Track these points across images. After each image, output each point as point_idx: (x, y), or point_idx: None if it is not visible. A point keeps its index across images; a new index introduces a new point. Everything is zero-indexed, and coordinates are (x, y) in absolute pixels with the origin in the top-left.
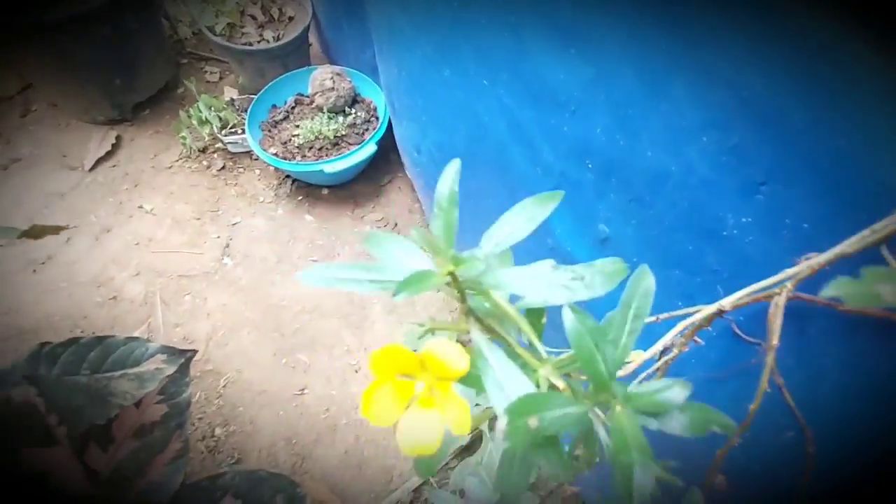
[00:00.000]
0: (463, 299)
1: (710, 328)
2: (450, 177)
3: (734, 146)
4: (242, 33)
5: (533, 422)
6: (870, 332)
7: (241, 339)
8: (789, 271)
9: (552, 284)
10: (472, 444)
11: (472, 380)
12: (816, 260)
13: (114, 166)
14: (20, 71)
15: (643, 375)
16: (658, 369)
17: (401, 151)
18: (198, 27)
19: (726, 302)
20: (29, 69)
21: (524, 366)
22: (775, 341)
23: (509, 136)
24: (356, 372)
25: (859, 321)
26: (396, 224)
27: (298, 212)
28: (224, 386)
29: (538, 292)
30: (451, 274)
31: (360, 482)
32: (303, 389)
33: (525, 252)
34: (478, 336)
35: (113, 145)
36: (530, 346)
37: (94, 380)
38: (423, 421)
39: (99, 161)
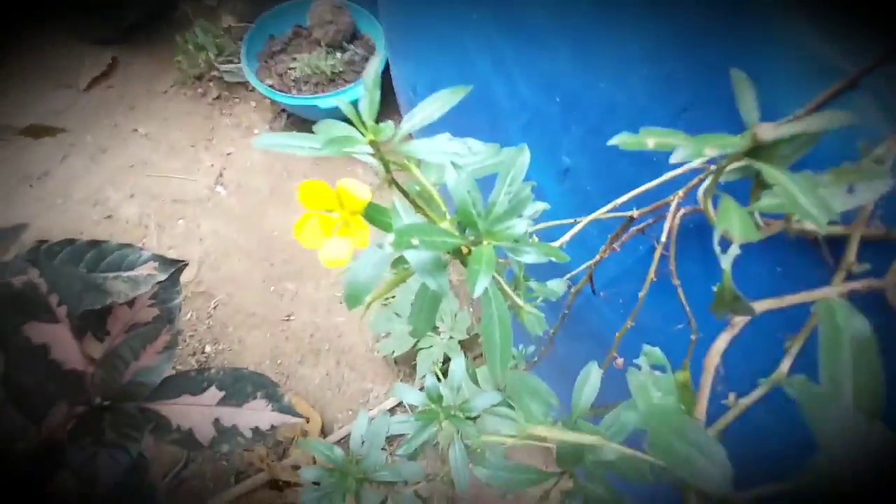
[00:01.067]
0: (386, 169)
1: (638, 247)
2: (374, 66)
3: (666, 74)
4: None
5: (415, 240)
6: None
7: (233, 265)
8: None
9: (447, 151)
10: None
11: (383, 224)
12: (694, 165)
13: (109, 87)
14: None
15: (580, 282)
16: (588, 270)
17: (397, 92)
18: None
19: (636, 211)
20: None
21: (431, 222)
22: (664, 238)
23: (492, 71)
24: (340, 303)
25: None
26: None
27: None
28: (215, 308)
29: (436, 156)
30: (373, 143)
31: (338, 401)
32: (290, 315)
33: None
34: (395, 196)
35: (108, 66)
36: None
37: (92, 276)
38: (339, 243)
39: (94, 81)
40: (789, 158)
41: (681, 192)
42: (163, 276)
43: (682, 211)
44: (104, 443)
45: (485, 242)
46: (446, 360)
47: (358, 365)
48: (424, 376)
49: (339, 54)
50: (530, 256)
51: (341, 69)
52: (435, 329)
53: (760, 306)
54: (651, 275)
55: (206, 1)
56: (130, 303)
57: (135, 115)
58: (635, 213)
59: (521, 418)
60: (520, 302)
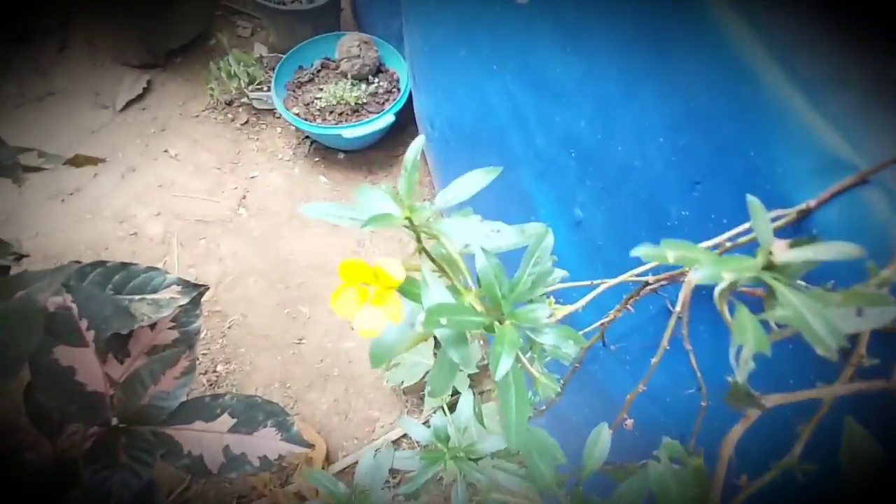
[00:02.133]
0: (418, 240)
1: (648, 307)
2: (414, 148)
3: (682, 147)
4: None
5: (444, 320)
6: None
7: (248, 286)
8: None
9: (477, 232)
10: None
11: (414, 296)
12: (720, 239)
13: (143, 109)
14: (61, 6)
15: (591, 339)
16: (601, 328)
17: (418, 124)
18: None
19: (652, 277)
20: (69, 5)
21: (457, 292)
22: (679, 308)
23: (510, 119)
24: (352, 329)
25: (758, 302)
26: None
27: (314, 173)
28: (229, 327)
29: (467, 237)
30: (409, 219)
31: (345, 428)
32: (301, 339)
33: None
34: (425, 266)
35: (144, 89)
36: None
37: (121, 299)
38: (373, 314)
39: (130, 103)
40: (800, 271)
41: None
42: (185, 300)
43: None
44: (118, 465)
45: (507, 323)
46: (454, 392)
47: (366, 393)
48: (434, 410)
49: (363, 86)
50: (550, 338)
51: (365, 100)
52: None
53: (771, 401)
54: (665, 343)
55: (240, 31)
56: (152, 325)
57: (166, 136)
58: (651, 279)
59: (532, 477)
60: (536, 374)
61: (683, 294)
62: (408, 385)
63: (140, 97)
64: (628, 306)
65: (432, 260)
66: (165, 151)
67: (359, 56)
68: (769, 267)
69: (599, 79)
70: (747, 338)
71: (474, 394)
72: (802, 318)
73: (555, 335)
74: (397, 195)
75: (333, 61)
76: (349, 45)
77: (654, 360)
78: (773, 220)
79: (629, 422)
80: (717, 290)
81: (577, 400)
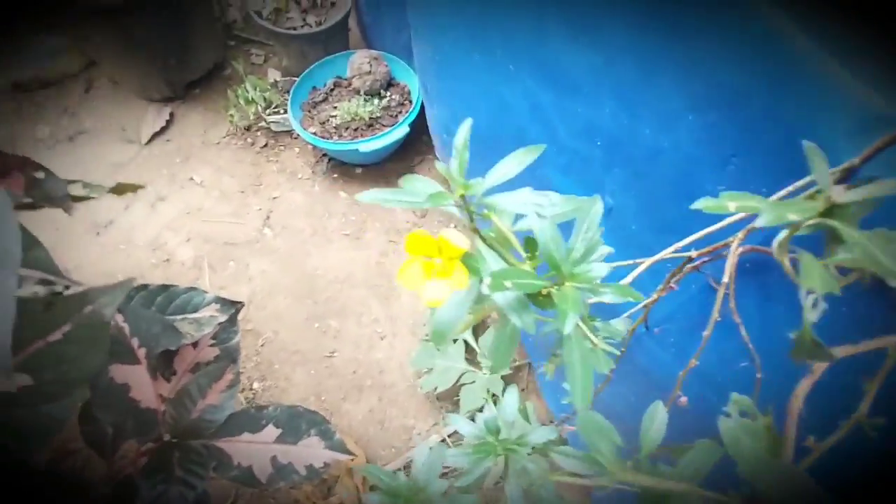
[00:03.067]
0: (471, 219)
1: (690, 286)
2: (464, 131)
3: (711, 124)
4: (287, 18)
5: (508, 283)
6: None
7: (278, 304)
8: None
9: (529, 202)
10: None
11: (473, 271)
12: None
13: (167, 140)
14: (85, 50)
15: (634, 321)
16: (646, 308)
17: (431, 134)
18: (246, 11)
19: (694, 251)
20: (93, 48)
21: (511, 265)
22: (726, 279)
23: (530, 117)
24: (381, 339)
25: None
26: None
27: (333, 189)
28: (262, 345)
29: (520, 206)
30: (462, 197)
31: (381, 438)
32: (332, 352)
33: None
34: (479, 243)
35: (167, 121)
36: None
37: (168, 319)
38: (439, 285)
39: (154, 135)
40: (858, 215)
41: (741, 234)
42: (224, 317)
43: (741, 250)
44: (173, 479)
45: (567, 284)
46: (488, 395)
47: (400, 401)
48: (468, 415)
49: (376, 101)
50: (608, 297)
51: (379, 114)
52: (477, 364)
53: (839, 352)
54: (715, 314)
55: (253, 59)
56: (195, 343)
57: (190, 164)
58: (694, 253)
59: (600, 458)
60: (595, 341)
61: (731, 263)
62: (442, 390)
63: (163, 129)
64: (672, 284)
65: (483, 240)
66: (191, 179)
67: (370, 72)
68: (829, 212)
69: (618, 66)
70: (815, 281)
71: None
72: (872, 254)
73: (613, 292)
74: (443, 169)
75: (345, 79)
76: (360, 62)
77: (705, 333)
78: (813, 184)
79: (683, 399)
80: (776, 241)
81: (621, 389)
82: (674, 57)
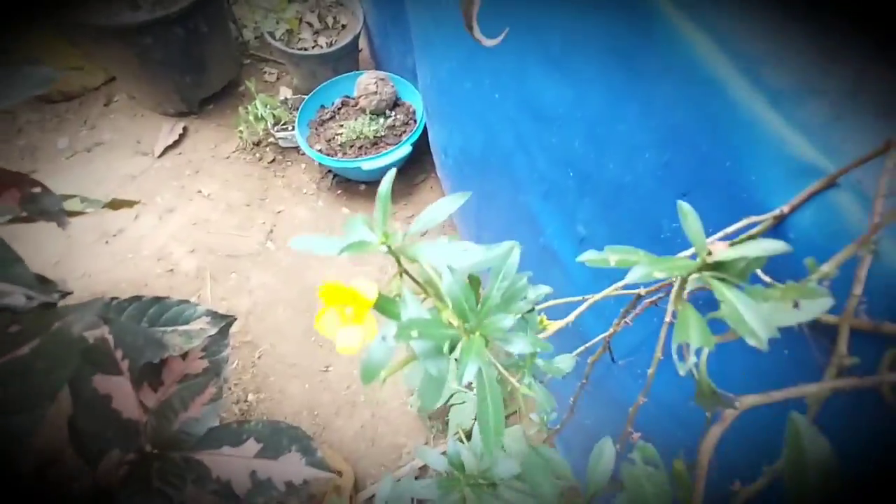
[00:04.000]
0: (398, 263)
1: (653, 319)
2: (386, 182)
3: (666, 162)
4: (299, 39)
5: (414, 333)
6: None
7: (277, 316)
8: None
9: (446, 253)
10: None
11: (393, 314)
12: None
13: (179, 154)
14: (106, 66)
15: (596, 353)
16: (605, 341)
17: (433, 153)
18: (260, 32)
19: (643, 289)
20: (113, 65)
21: (438, 310)
22: (668, 317)
23: (514, 145)
24: None
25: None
26: None
27: (336, 205)
28: (259, 357)
29: (439, 258)
30: (386, 244)
31: (372, 455)
32: (328, 366)
33: (523, 249)
34: (405, 287)
35: (180, 135)
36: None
37: (152, 330)
38: (351, 333)
39: (167, 149)
40: (746, 272)
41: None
42: (214, 330)
43: (693, 287)
44: (151, 491)
45: (476, 334)
46: None
47: (392, 418)
48: (458, 434)
49: (381, 120)
50: (518, 346)
51: (383, 133)
52: (469, 385)
53: (746, 402)
54: (658, 353)
55: (266, 77)
56: (184, 355)
57: (199, 178)
58: (642, 291)
59: (536, 496)
60: (516, 384)
61: (671, 300)
62: (433, 410)
63: (176, 143)
64: (627, 320)
65: (414, 280)
66: (199, 192)
67: (376, 92)
68: (715, 267)
69: (588, 102)
70: (691, 335)
71: None
72: (736, 312)
73: (523, 343)
74: (364, 220)
75: (353, 98)
76: (367, 83)
77: (650, 371)
78: (750, 226)
79: (636, 435)
80: (672, 293)
81: (601, 416)
82: (635, 94)
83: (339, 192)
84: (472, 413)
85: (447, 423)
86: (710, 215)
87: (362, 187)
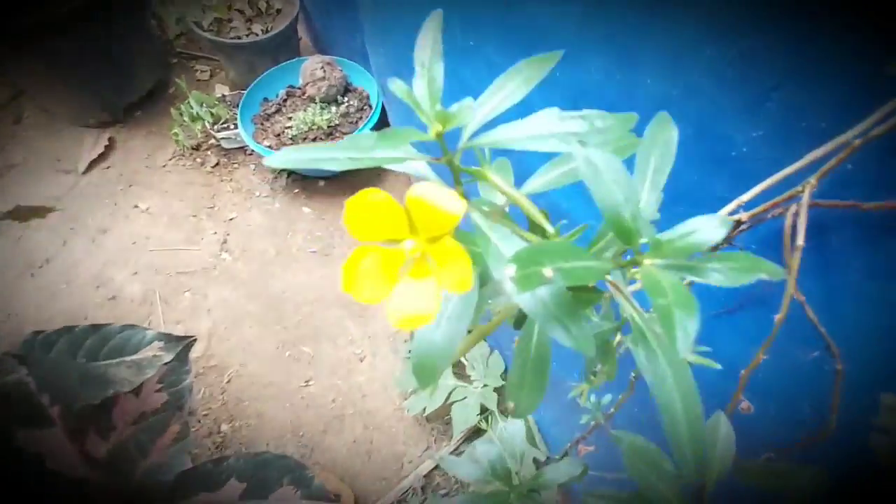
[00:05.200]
0: (457, 178)
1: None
2: (430, 33)
3: (741, 53)
4: (231, 28)
5: (548, 271)
6: (893, 237)
7: (244, 333)
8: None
9: (561, 132)
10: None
11: (473, 256)
12: (831, 145)
13: (108, 168)
14: (11, 79)
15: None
16: None
17: None
18: (186, 26)
19: (743, 213)
20: (20, 76)
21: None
22: (801, 241)
23: None
24: (361, 361)
25: (880, 224)
26: None
27: (295, 204)
28: (228, 381)
29: (545, 142)
30: (440, 137)
31: (369, 470)
32: (308, 381)
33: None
34: (475, 215)
35: (106, 147)
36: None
37: (91, 366)
38: (417, 289)
39: (92, 163)
40: None
41: (814, 179)
42: (170, 356)
43: (808, 204)
44: None
45: (647, 262)
46: (482, 409)
47: (386, 427)
48: (463, 437)
49: (333, 108)
50: (721, 277)
51: (338, 122)
52: (467, 378)
53: None
54: (790, 288)
55: (198, 75)
56: (137, 390)
57: (134, 191)
58: (744, 215)
59: (653, 496)
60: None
61: (803, 216)
62: (431, 411)
63: (102, 156)
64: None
65: (475, 206)
66: (136, 207)
67: (324, 78)
68: None
69: (605, 11)
70: None
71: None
72: None
73: (731, 271)
74: (403, 94)
75: (298, 88)
76: (312, 69)
77: (777, 317)
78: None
79: (745, 404)
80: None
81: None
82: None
83: (296, 190)
84: (475, 409)
85: (448, 424)
86: (818, 104)
87: (322, 183)
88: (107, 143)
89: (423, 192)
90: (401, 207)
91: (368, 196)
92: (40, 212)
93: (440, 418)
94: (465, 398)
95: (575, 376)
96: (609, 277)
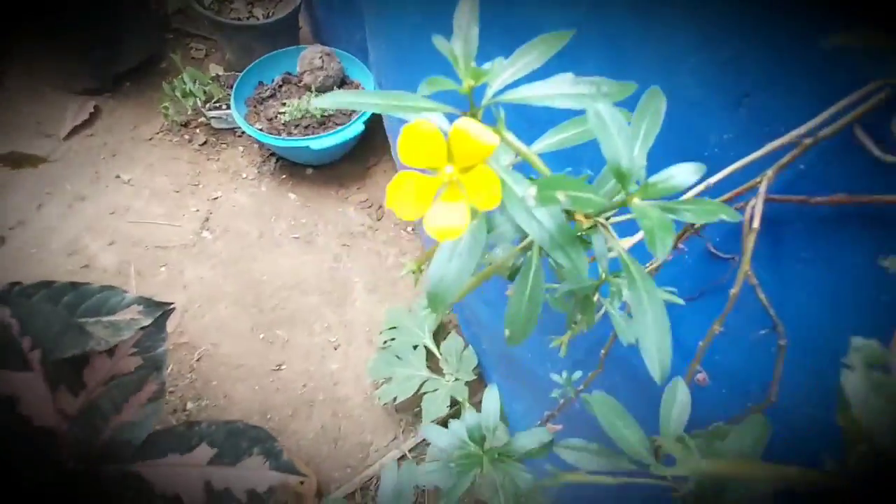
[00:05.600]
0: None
1: (685, 255)
2: (470, 1)
3: (724, 61)
4: (231, 9)
5: (561, 195)
6: (839, 231)
7: (219, 313)
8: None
9: (574, 93)
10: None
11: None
12: (786, 139)
13: (91, 135)
14: None
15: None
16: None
17: (388, 133)
18: (185, 2)
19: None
20: (5, 35)
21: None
22: (756, 224)
23: None
24: (335, 349)
25: (829, 219)
26: (381, 206)
27: (282, 190)
28: (198, 359)
29: (561, 100)
30: (471, 91)
31: (335, 457)
32: (280, 365)
33: None
34: (494, 165)
35: (91, 115)
36: None
37: (72, 319)
38: (450, 209)
39: (75, 130)
40: None
41: (770, 172)
42: (147, 321)
43: (762, 199)
44: None
45: (636, 200)
46: (452, 403)
47: (355, 415)
48: (435, 423)
49: None
50: (691, 215)
51: (331, 112)
52: (440, 371)
53: None
54: (745, 266)
55: (193, 53)
56: (111, 351)
57: (117, 162)
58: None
59: (625, 446)
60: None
61: (759, 204)
62: (401, 401)
63: (87, 123)
64: (680, 244)
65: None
66: (117, 177)
67: (322, 67)
68: None
69: (605, 14)
70: None
71: (472, 401)
72: None
73: (699, 211)
74: (443, 47)
75: (295, 75)
76: (311, 58)
77: (732, 292)
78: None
79: (702, 375)
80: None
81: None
82: None
83: (283, 176)
84: (446, 401)
85: (417, 416)
86: (781, 111)
87: (309, 171)
88: (92, 110)
89: (466, 126)
90: (444, 139)
91: (421, 125)
92: (34, 161)
93: (410, 409)
94: (436, 390)
95: (547, 366)
96: (601, 219)
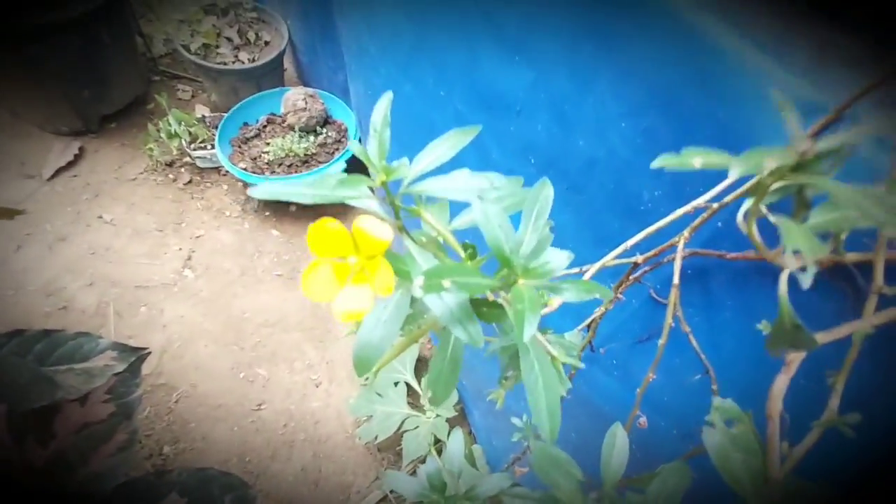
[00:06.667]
0: (397, 215)
1: (631, 301)
2: (383, 106)
3: (646, 129)
4: (217, 53)
5: (445, 282)
6: (756, 282)
7: (198, 352)
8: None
9: (469, 188)
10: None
11: (402, 274)
12: (701, 201)
13: (74, 176)
14: None
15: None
16: (589, 325)
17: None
18: (172, 47)
19: (639, 256)
20: None
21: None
22: (676, 280)
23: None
24: (317, 387)
25: (748, 271)
26: None
27: (265, 227)
28: (176, 401)
29: (458, 193)
30: (384, 185)
31: (316, 499)
32: (260, 404)
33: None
34: (408, 242)
35: (75, 156)
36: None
37: (41, 370)
38: (356, 293)
39: (59, 171)
40: (828, 175)
41: (686, 233)
42: (122, 367)
43: (686, 253)
44: None
45: (521, 282)
46: (434, 441)
47: (337, 455)
48: (413, 465)
49: (312, 138)
50: (570, 294)
51: (314, 151)
52: (421, 408)
53: (820, 338)
54: (669, 318)
55: (179, 94)
56: (83, 399)
57: (100, 201)
58: (639, 258)
59: (560, 496)
60: (553, 352)
61: (678, 262)
62: (383, 439)
63: (71, 164)
64: (619, 294)
65: (413, 240)
66: (99, 217)
67: (305, 108)
68: (798, 169)
69: (551, 80)
70: (800, 241)
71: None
72: (863, 208)
73: (576, 289)
74: (360, 152)
75: (279, 116)
76: (294, 99)
77: (661, 342)
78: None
79: (643, 420)
80: (743, 209)
81: (564, 424)
82: (608, 65)
83: (267, 213)
84: (427, 439)
85: (399, 455)
86: (699, 178)
87: (293, 208)
88: (77, 151)
89: (364, 224)
90: (349, 233)
91: (326, 224)
92: (9, 213)
93: (392, 448)
94: (416, 427)
95: (522, 405)
96: (503, 293)
